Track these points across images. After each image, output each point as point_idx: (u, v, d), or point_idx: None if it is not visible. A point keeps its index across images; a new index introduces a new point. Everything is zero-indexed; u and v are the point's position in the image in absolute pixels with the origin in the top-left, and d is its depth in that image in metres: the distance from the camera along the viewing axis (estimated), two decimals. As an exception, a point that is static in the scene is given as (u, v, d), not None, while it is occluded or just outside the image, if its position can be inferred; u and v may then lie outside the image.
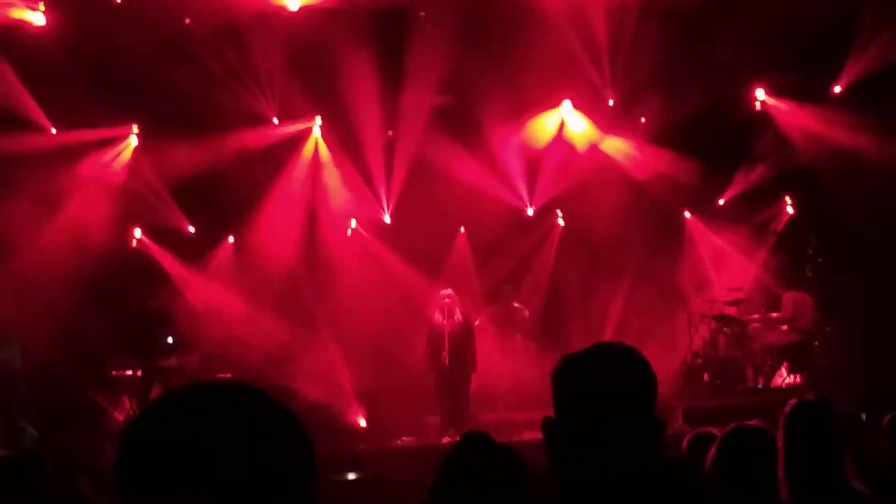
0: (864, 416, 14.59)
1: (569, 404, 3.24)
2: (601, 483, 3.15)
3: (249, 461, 1.87)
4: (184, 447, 1.86)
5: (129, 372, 17.86)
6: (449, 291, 17.41)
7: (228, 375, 16.48)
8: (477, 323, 18.61)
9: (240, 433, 1.88)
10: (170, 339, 17.97)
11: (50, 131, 18.38)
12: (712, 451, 5.52)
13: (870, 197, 17.96)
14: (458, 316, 17.18)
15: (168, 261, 19.53)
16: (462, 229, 20.29)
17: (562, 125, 20.01)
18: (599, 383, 3.22)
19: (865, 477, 5.33)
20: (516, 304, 19.47)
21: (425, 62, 18.79)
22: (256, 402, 1.94)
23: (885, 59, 17.74)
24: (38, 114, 18.13)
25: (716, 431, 6.11)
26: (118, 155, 19.21)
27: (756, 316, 18.48)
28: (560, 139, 20.02)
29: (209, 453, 1.85)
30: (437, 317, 17.15)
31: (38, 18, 17.48)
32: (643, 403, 3.22)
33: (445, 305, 17.16)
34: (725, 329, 18.22)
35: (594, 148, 19.95)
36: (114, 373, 17.96)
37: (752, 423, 5.67)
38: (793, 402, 5.66)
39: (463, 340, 17.15)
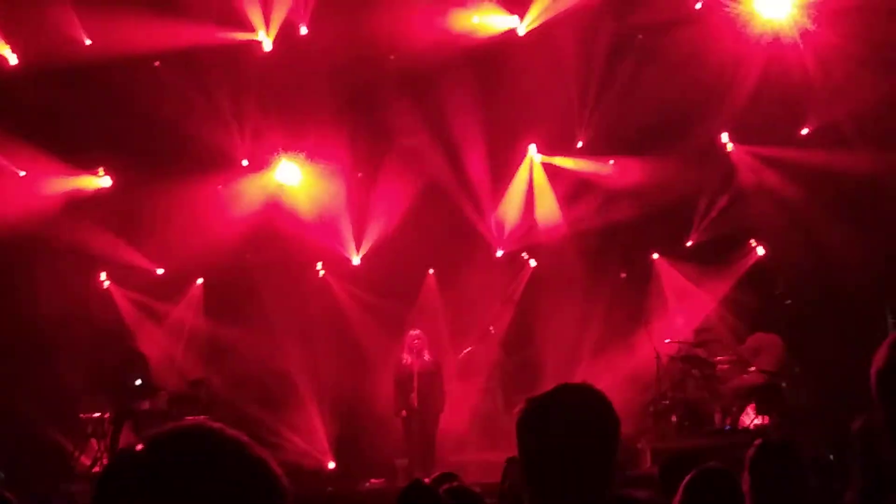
0: (831, 458, 14.65)
1: (532, 447, 3.28)
2: None
3: None
4: (159, 492, 1.87)
5: (98, 414, 17.74)
6: (417, 332, 17.40)
7: (202, 418, 16.36)
8: (466, 352, 18.72)
9: (213, 478, 1.89)
10: (138, 382, 17.87)
11: (18, 174, 18.32)
12: (678, 494, 5.53)
13: (839, 237, 18.07)
14: (426, 356, 17.17)
15: (136, 302, 19.46)
16: (431, 271, 20.29)
17: (531, 166, 20.07)
18: (562, 426, 3.25)
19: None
20: (491, 329, 19.58)
21: (395, 103, 18.89)
22: (229, 446, 1.95)
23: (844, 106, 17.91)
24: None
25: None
26: (87, 196, 19.13)
27: (724, 357, 18.50)
28: (529, 180, 20.08)
29: (184, 498, 1.87)
30: (406, 357, 17.13)
31: (10, 58, 17.47)
32: (606, 445, 3.26)
33: (414, 346, 17.14)
34: (693, 370, 18.22)
35: (563, 189, 20.01)
36: (82, 415, 17.85)
37: (713, 465, 5.70)
38: (757, 443, 5.69)
39: (431, 381, 17.12)
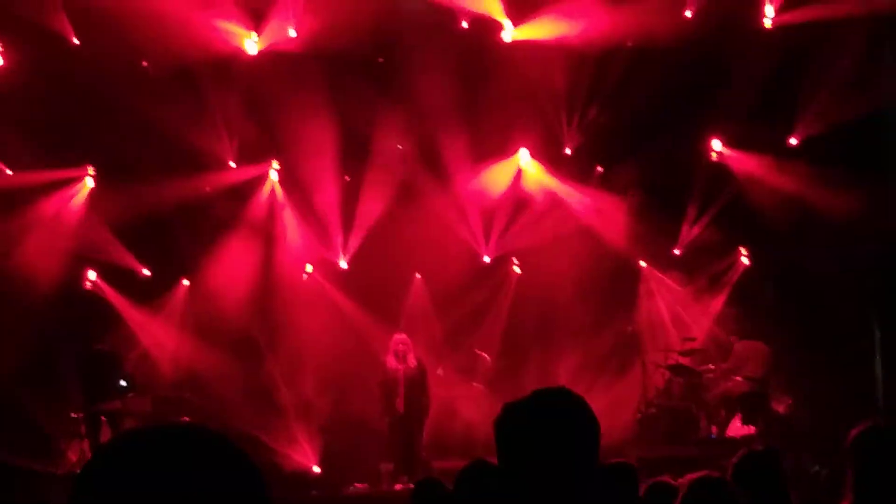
0: (815, 469, 14.66)
1: (510, 452, 3.26)
2: None
3: None
4: (138, 492, 1.83)
5: (82, 414, 17.68)
6: (403, 336, 17.37)
7: (186, 419, 16.31)
8: (440, 372, 18.64)
9: (196, 477, 1.84)
10: (122, 382, 17.80)
11: (5, 172, 18.26)
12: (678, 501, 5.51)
13: (825, 248, 18.11)
14: (411, 361, 17.13)
15: (122, 303, 19.40)
16: (418, 275, 20.26)
17: (519, 173, 20.07)
18: (540, 431, 3.23)
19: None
20: (478, 352, 19.52)
21: (384, 108, 18.89)
22: (213, 446, 1.91)
23: (833, 118, 17.96)
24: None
25: (669, 480, 6.11)
26: (73, 196, 19.08)
27: (710, 366, 18.51)
28: (517, 187, 20.08)
29: (164, 498, 1.83)
30: (391, 362, 17.10)
31: (-2, 59, 17.47)
32: (585, 448, 3.24)
33: (399, 350, 17.11)
34: (680, 379, 18.24)
35: (551, 196, 20.01)
36: (72, 415, 17.80)
37: (709, 473, 5.68)
38: (741, 452, 5.68)
39: (417, 386, 17.10)
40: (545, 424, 3.24)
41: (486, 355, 19.57)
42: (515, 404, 3.34)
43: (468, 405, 18.36)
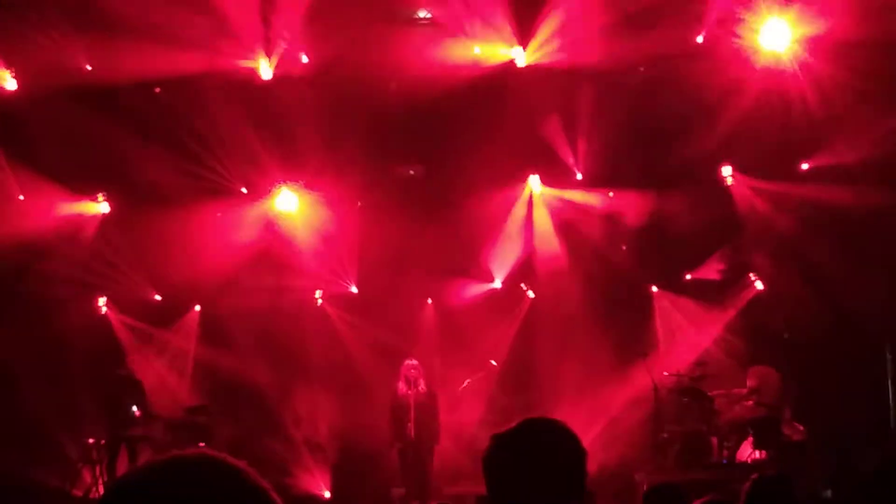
0: (828, 494, 14.61)
1: (499, 483, 3.27)
2: None
3: None
4: None
5: (92, 441, 17.69)
6: (414, 362, 17.37)
7: (201, 444, 16.30)
8: (465, 385, 18.72)
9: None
10: (134, 409, 17.82)
11: (18, 197, 18.31)
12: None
13: (838, 272, 18.05)
14: (422, 386, 17.13)
15: (134, 328, 19.43)
16: (430, 300, 20.26)
17: (531, 198, 20.08)
18: (527, 461, 3.24)
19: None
20: (493, 362, 19.57)
21: (396, 133, 18.92)
22: (230, 474, 1.92)
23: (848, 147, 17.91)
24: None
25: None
26: (86, 222, 19.12)
27: (722, 391, 18.47)
28: (529, 211, 20.09)
29: None
30: (402, 388, 17.09)
31: (9, 84, 17.49)
32: (572, 478, 3.25)
33: (410, 376, 17.10)
34: (692, 403, 18.20)
35: (562, 221, 20.01)
36: (89, 440, 17.80)
37: (715, 497, 5.68)
38: (753, 477, 5.68)
39: (428, 411, 17.09)
40: (534, 453, 3.26)
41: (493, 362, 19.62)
42: (504, 434, 3.36)
43: (479, 431, 18.32)
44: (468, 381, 19.17)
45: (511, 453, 3.28)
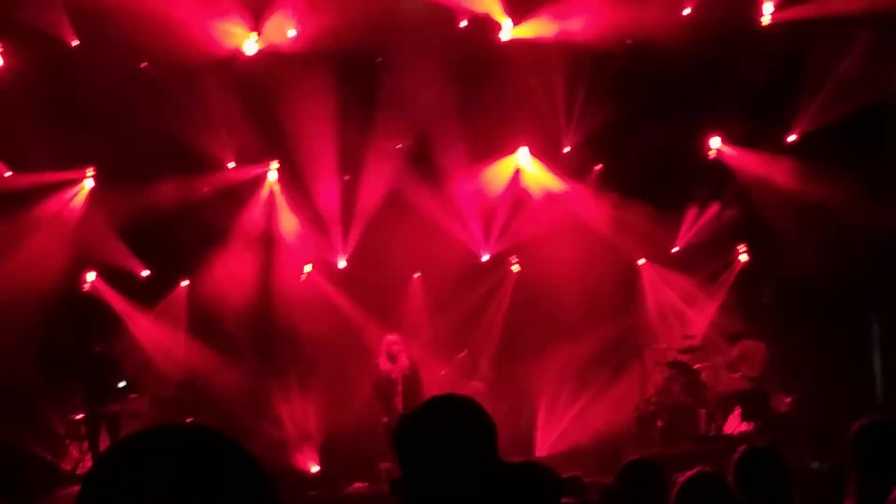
0: (815, 465, 14.66)
1: (409, 463, 3.29)
2: None
3: None
4: (144, 494, 1.83)
5: (79, 417, 17.69)
6: (395, 337, 17.37)
7: (190, 419, 16.29)
8: (443, 373, 18.68)
9: (203, 479, 1.84)
10: (122, 384, 17.80)
11: (4, 174, 18.25)
12: (672, 496, 5.52)
13: (824, 243, 18.10)
14: (403, 361, 17.13)
15: (121, 304, 19.39)
16: (417, 275, 20.25)
17: (518, 171, 20.07)
18: (433, 438, 3.27)
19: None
20: (463, 354, 19.53)
21: (382, 107, 18.87)
22: (219, 447, 1.91)
23: (831, 114, 17.96)
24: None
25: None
26: (73, 197, 19.06)
27: (709, 363, 18.53)
28: (516, 185, 20.08)
29: (171, 500, 1.83)
30: (383, 363, 17.10)
31: (-2, 59, 17.44)
32: (481, 452, 3.27)
33: (392, 351, 17.10)
34: (679, 376, 18.23)
35: (549, 194, 20.01)
36: (74, 417, 17.81)
37: (702, 469, 5.68)
38: (742, 448, 5.69)
39: (413, 385, 17.11)
40: (440, 430, 3.28)
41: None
42: (410, 414, 3.40)
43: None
44: (465, 351, 19.19)
45: (417, 431, 3.31)
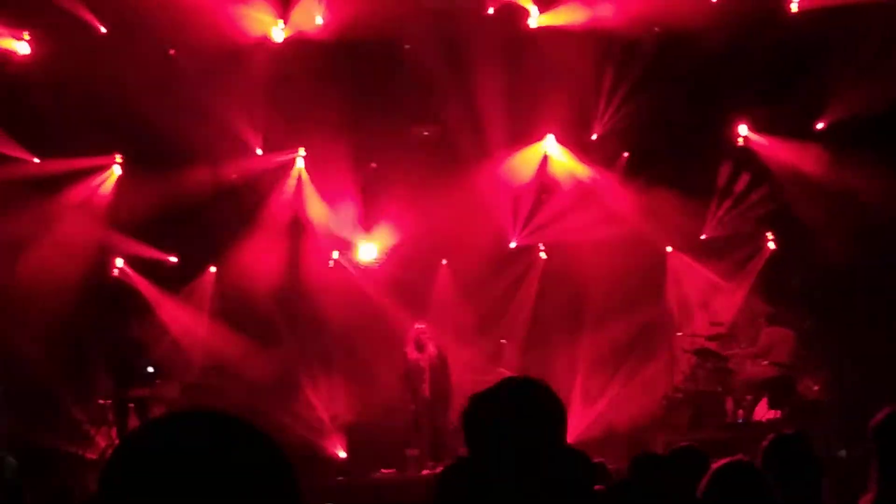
0: (843, 453, 14.62)
1: (479, 442, 3.30)
2: None
3: (232, 493, 1.84)
4: (166, 478, 1.83)
5: (110, 401, 17.79)
6: (423, 326, 17.44)
7: (212, 405, 16.31)
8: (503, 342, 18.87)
9: (223, 464, 1.85)
10: (150, 369, 17.88)
11: (32, 161, 18.32)
12: (703, 484, 5.49)
13: (853, 231, 18.01)
14: (431, 349, 17.21)
15: (149, 290, 19.45)
16: (444, 262, 20.24)
17: (545, 159, 20.03)
18: (506, 419, 3.27)
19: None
20: (503, 341, 19.54)
21: (410, 94, 18.87)
22: (241, 432, 1.91)
23: (861, 102, 17.84)
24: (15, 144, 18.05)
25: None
26: (101, 184, 19.12)
27: (736, 350, 18.49)
28: (543, 172, 20.04)
29: (192, 484, 1.82)
30: (411, 352, 17.18)
31: (22, 48, 17.47)
32: (552, 434, 3.28)
33: (420, 339, 17.18)
34: (706, 363, 18.20)
35: (577, 182, 19.97)
36: (100, 401, 17.91)
37: (738, 458, 5.65)
38: (771, 436, 5.67)
39: (440, 373, 17.18)
40: (513, 411, 3.28)
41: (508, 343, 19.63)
42: (482, 394, 3.39)
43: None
44: (504, 340, 19.31)
45: (490, 412, 3.31)
